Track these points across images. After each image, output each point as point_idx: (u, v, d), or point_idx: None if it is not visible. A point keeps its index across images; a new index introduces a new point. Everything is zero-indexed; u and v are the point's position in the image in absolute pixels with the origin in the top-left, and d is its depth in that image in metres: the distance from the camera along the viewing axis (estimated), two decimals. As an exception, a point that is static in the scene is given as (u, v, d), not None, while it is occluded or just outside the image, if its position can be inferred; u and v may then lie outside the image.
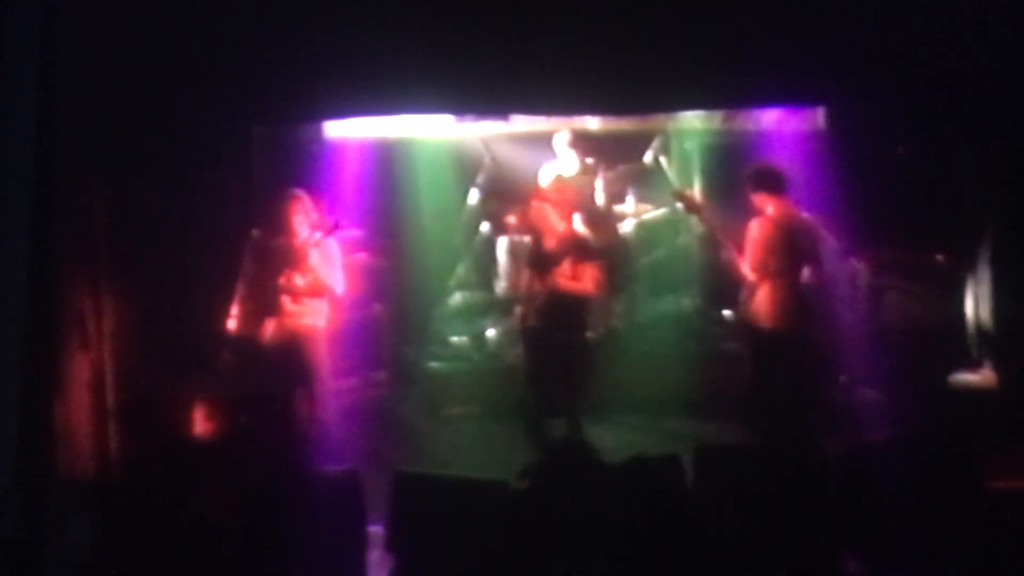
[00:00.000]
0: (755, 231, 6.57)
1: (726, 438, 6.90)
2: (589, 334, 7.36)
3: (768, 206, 6.59)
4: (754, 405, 6.85)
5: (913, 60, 6.55)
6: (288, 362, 6.79)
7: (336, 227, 6.85)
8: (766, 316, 6.60)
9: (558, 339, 6.96)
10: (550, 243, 7.04)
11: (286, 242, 6.83)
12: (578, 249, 7.06)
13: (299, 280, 6.78)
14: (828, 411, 6.94)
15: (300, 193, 6.91)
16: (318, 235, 6.79)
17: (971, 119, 6.75)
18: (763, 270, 6.56)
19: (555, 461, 4.76)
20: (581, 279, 6.98)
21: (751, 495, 5.13)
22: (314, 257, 6.80)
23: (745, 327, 6.85)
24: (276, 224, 6.85)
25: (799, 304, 6.65)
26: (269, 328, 6.81)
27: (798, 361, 6.67)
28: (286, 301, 6.79)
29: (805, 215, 6.80)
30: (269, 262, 6.83)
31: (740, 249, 6.60)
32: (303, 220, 6.82)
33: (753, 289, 6.62)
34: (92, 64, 6.36)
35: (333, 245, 6.93)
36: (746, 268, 6.58)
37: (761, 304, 6.61)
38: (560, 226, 7.09)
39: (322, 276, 6.78)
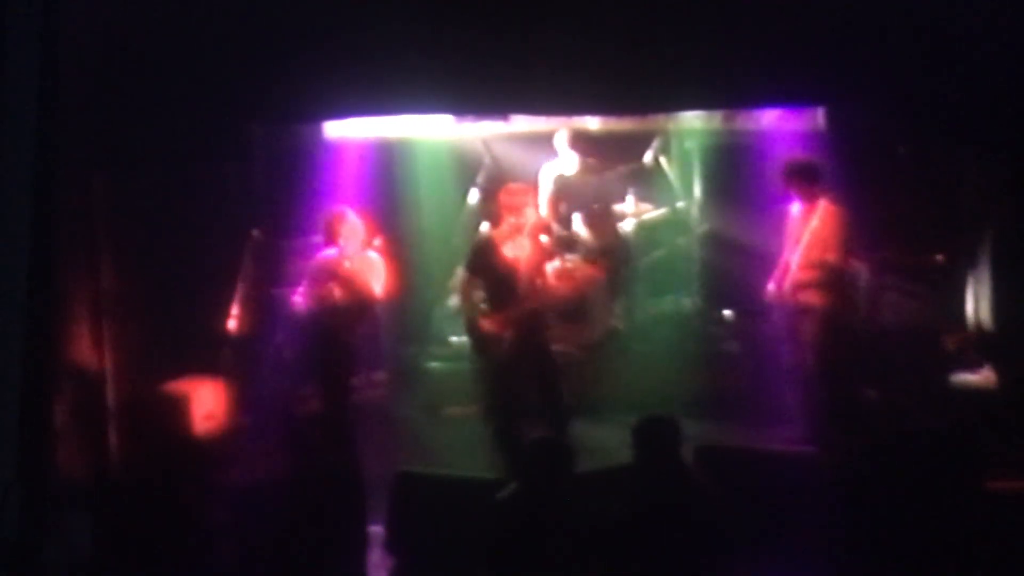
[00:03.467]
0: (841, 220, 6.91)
1: (726, 438, 6.89)
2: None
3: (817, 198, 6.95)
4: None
5: (913, 60, 6.56)
6: (308, 367, 6.85)
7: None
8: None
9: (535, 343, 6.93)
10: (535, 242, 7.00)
11: (331, 262, 6.93)
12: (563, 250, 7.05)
13: (336, 292, 6.86)
14: (829, 411, 6.94)
15: (347, 210, 6.99)
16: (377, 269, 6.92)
17: (971, 119, 6.74)
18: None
19: (550, 462, 4.77)
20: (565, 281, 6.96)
21: (750, 495, 5.13)
22: (350, 270, 6.85)
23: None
24: (328, 241, 6.95)
25: None
26: (303, 337, 6.85)
27: None
28: (320, 317, 6.83)
29: None
30: (316, 280, 6.93)
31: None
32: (350, 237, 6.88)
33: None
34: (92, 64, 6.36)
35: (376, 260, 6.98)
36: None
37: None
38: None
39: (356, 296, 6.83)
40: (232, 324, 6.83)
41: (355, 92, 6.76)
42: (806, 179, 6.95)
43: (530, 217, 6.81)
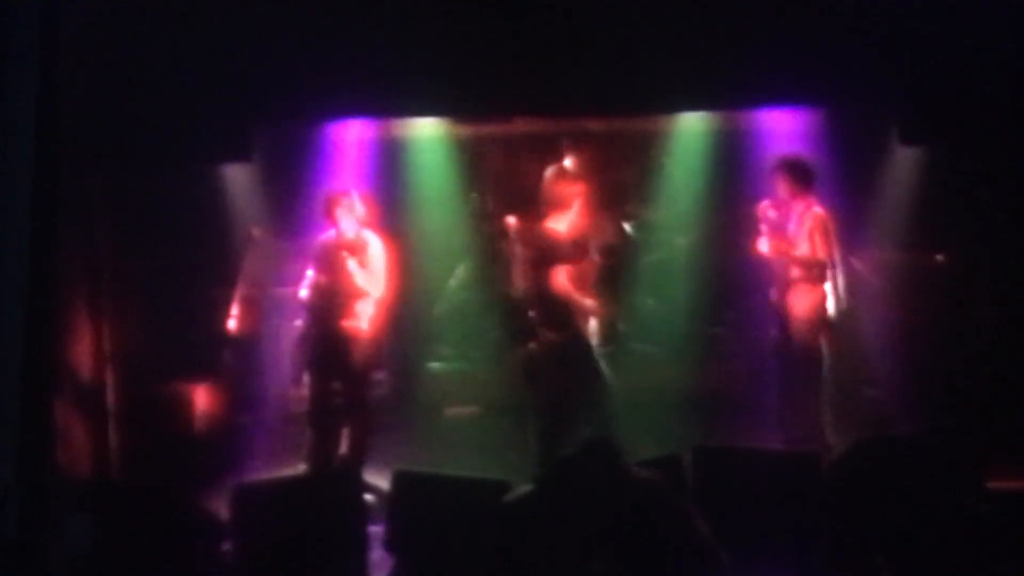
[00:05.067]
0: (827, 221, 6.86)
1: (726, 438, 6.89)
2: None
3: (807, 198, 6.92)
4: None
5: (913, 60, 6.56)
6: (329, 360, 6.80)
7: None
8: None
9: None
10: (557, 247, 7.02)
11: (332, 242, 6.87)
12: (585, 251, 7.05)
13: (335, 280, 6.80)
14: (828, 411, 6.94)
15: (348, 190, 6.94)
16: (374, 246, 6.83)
17: (970, 119, 6.74)
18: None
19: (554, 462, 4.77)
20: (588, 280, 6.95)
21: (751, 495, 5.13)
22: (348, 249, 6.82)
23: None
24: (328, 222, 6.89)
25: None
26: (311, 326, 6.80)
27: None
28: (332, 300, 6.78)
29: None
30: (320, 260, 6.87)
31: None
32: (349, 218, 6.83)
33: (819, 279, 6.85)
34: (92, 64, 6.37)
35: (375, 239, 6.94)
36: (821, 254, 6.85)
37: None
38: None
39: (359, 278, 6.79)
40: (232, 324, 6.81)
41: (355, 92, 6.77)
42: (796, 177, 6.96)
43: (579, 209, 6.89)
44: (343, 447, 6.87)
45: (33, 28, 5.58)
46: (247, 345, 6.95)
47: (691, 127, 8.41)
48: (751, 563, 4.80)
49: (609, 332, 8.16)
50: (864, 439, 6.02)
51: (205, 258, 7.26)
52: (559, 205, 6.95)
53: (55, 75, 5.65)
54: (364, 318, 6.88)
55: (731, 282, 8.37)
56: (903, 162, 7.52)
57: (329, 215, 6.88)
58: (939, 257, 7.62)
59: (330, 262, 6.83)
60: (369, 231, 6.96)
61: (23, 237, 5.45)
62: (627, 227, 8.70)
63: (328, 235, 6.92)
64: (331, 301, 6.81)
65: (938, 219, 7.48)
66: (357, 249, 6.84)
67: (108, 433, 6.74)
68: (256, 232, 7.01)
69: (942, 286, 7.52)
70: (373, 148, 8.38)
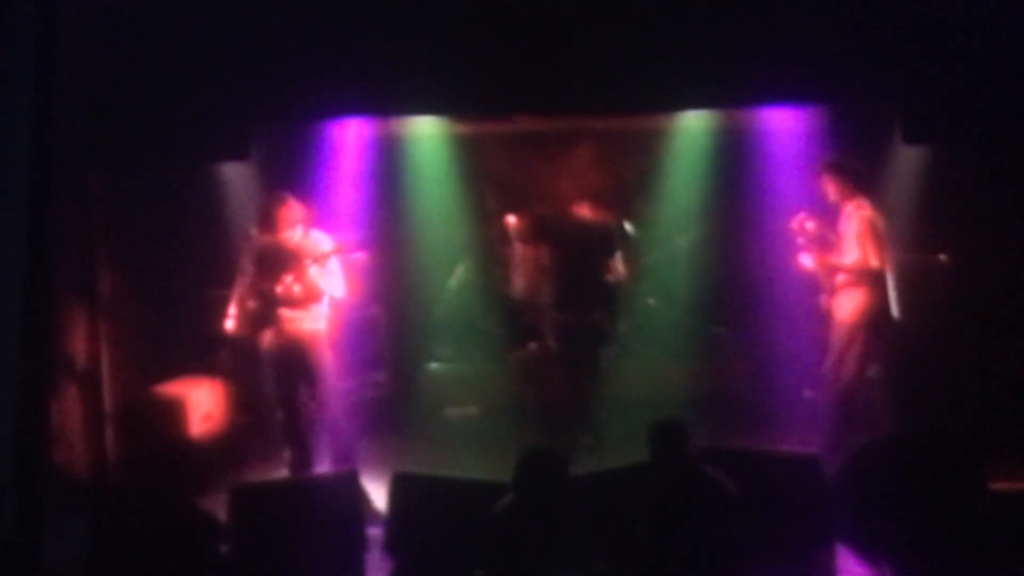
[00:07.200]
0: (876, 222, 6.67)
1: (726, 438, 6.87)
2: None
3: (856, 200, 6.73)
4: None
5: (916, 59, 6.55)
6: (288, 366, 6.70)
7: (347, 248, 6.74)
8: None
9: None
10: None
11: (278, 246, 6.68)
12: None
13: (295, 285, 6.59)
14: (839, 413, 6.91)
15: (286, 195, 6.74)
16: (325, 248, 6.65)
17: (973, 118, 6.72)
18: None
19: (553, 464, 4.77)
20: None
21: (751, 495, 5.12)
22: (293, 250, 6.68)
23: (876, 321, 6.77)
24: (267, 227, 6.72)
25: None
26: (268, 333, 6.70)
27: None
28: (283, 305, 6.67)
29: None
30: (264, 265, 6.68)
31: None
32: (293, 222, 6.70)
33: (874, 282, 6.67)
34: (89, 62, 6.36)
35: (322, 239, 6.80)
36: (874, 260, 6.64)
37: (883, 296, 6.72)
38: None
39: (318, 281, 6.67)
40: (229, 324, 6.77)
41: (355, 92, 6.75)
42: (846, 178, 6.74)
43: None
44: (333, 450, 6.80)
45: (33, 28, 5.57)
46: (245, 345, 6.91)
47: (693, 126, 8.40)
48: (757, 562, 4.80)
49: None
50: (867, 440, 6.03)
51: (204, 258, 7.24)
52: (588, 195, 6.95)
53: (54, 74, 5.64)
54: (322, 320, 6.74)
55: (733, 282, 8.36)
56: (905, 161, 7.49)
57: (266, 220, 6.68)
58: (940, 257, 7.60)
59: (281, 265, 6.62)
60: (318, 233, 6.79)
61: (20, 237, 5.44)
62: (628, 225, 8.71)
63: (275, 238, 6.69)
64: (287, 305, 6.65)
65: (940, 218, 7.46)
66: (313, 253, 6.65)
67: (104, 434, 6.72)
68: (255, 232, 6.97)
69: (942, 286, 7.50)
70: (372, 148, 8.37)
